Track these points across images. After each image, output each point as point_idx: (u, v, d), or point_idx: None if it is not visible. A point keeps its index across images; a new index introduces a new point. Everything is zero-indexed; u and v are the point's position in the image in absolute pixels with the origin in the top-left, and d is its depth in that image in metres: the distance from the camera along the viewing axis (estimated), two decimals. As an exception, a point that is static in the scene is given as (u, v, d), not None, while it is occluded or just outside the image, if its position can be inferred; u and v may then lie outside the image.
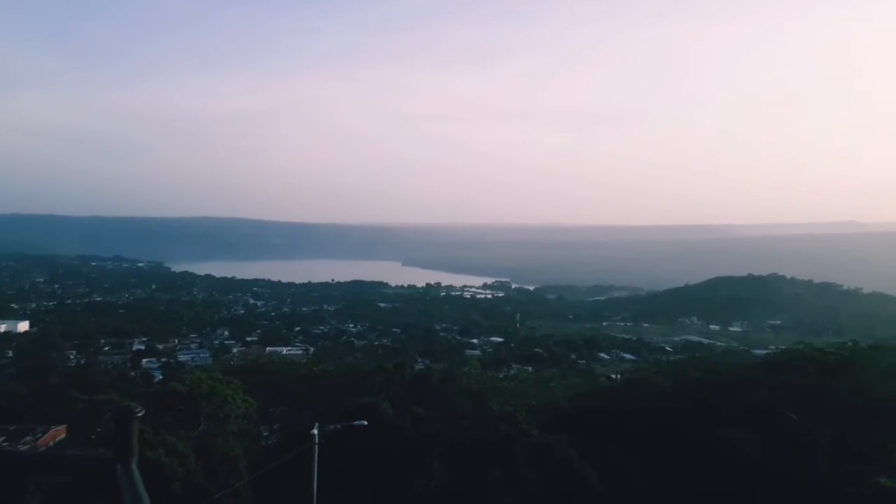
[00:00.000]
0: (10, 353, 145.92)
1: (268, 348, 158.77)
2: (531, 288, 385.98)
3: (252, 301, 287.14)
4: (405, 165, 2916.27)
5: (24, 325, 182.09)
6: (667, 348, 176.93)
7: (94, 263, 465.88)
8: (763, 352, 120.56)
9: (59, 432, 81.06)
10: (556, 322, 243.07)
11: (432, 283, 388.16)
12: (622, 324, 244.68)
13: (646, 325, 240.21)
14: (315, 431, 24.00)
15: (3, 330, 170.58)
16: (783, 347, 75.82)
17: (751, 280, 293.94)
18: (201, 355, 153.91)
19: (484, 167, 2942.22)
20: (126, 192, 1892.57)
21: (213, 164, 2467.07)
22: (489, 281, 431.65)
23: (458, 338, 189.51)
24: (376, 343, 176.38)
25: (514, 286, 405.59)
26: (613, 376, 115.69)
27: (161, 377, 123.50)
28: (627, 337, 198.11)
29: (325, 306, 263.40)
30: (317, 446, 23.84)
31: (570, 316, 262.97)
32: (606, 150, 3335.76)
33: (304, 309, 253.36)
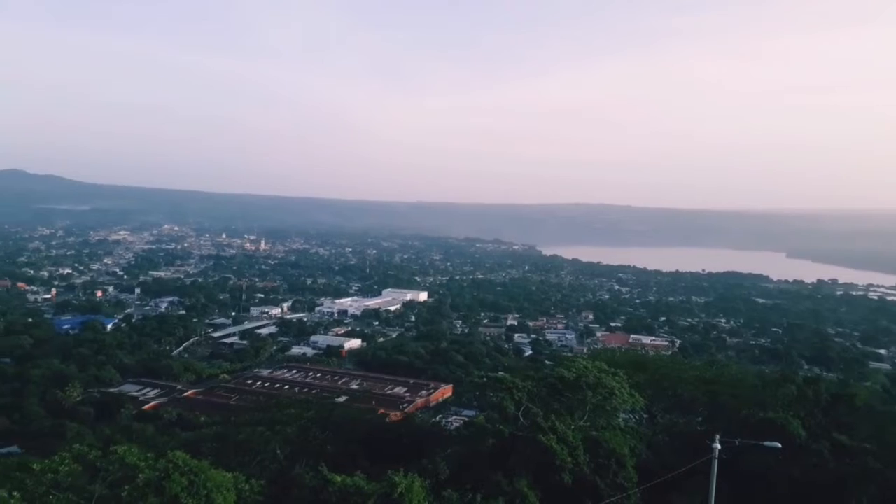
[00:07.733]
0: (413, 318, 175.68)
1: (631, 336, 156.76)
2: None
3: (616, 287, 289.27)
4: (786, 143, 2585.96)
5: (423, 296, 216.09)
6: None
7: (477, 245, 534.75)
8: None
9: (446, 391, 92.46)
10: None
11: (825, 279, 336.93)
12: None
13: None
14: (717, 445, 21.08)
15: (408, 298, 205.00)
16: None
17: None
18: (567, 336, 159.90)
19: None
20: (505, 181, 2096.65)
21: (583, 153, 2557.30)
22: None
23: (858, 346, 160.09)
24: (752, 342, 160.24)
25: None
26: None
27: (530, 352, 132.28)
28: None
29: (694, 298, 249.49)
30: (715, 461, 20.92)
31: None
32: None
33: (671, 299, 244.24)
